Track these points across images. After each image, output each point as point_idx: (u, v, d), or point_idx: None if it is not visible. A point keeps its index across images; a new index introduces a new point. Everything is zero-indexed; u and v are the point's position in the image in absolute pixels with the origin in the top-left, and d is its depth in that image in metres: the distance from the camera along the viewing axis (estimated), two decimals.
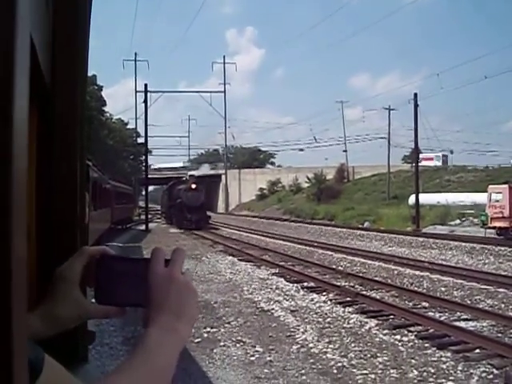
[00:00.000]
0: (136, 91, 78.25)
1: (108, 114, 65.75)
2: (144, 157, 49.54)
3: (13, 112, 0.58)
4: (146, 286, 1.02)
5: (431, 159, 73.19)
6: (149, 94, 47.97)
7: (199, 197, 42.92)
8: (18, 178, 0.59)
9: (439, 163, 73.13)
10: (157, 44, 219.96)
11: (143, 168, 51.12)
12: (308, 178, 68.40)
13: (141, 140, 64.08)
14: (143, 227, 41.42)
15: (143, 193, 60.10)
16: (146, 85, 47.13)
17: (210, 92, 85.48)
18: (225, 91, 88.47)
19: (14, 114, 0.58)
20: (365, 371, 8.00)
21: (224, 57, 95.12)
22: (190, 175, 48.71)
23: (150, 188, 72.74)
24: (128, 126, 76.29)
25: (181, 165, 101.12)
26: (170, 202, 47.01)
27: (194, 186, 42.89)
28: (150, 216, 47.50)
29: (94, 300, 1.13)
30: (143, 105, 45.96)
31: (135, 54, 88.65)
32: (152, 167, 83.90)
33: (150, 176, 52.60)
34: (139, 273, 1.06)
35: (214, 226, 42.60)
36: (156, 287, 1.01)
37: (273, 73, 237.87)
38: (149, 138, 47.00)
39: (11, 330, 0.55)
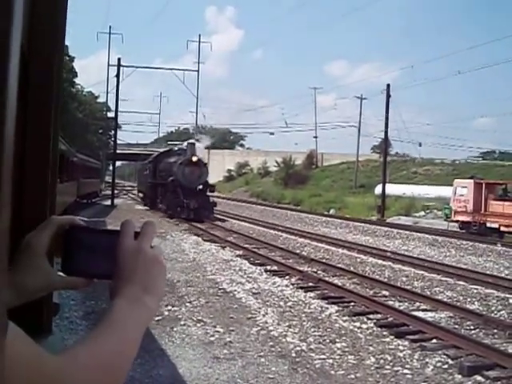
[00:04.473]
0: (108, 65, 77.32)
1: (79, 86, 64.89)
2: (113, 131, 49.01)
3: None
4: (114, 258, 1.00)
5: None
6: (122, 68, 47.41)
7: (201, 174, 31.29)
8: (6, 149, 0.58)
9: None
10: (133, 18, 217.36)
11: (112, 143, 50.43)
12: (277, 162, 68.58)
13: (111, 114, 63.49)
14: (109, 202, 41.03)
15: (110, 168, 59.31)
16: (119, 59, 46.69)
17: (184, 70, 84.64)
18: (198, 70, 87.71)
19: None
20: (323, 356, 8.09)
21: (200, 36, 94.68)
22: (190, 143, 34.12)
23: (117, 163, 71.94)
24: (98, 100, 75.46)
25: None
26: (156, 180, 35.26)
27: (195, 159, 30.95)
28: (116, 192, 47.01)
29: (60, 271, 1.12)
30: (115, 79, 45.53)
31: (109, 27, 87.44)
32: (120, 142, 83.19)
33: (118, 151, 51.45)
34: (108, 245, 1.04)
35: None
36: (124, 259, 0.99)
37: (250, 54, 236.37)
38: (119, 113, 46.46)
39: None
